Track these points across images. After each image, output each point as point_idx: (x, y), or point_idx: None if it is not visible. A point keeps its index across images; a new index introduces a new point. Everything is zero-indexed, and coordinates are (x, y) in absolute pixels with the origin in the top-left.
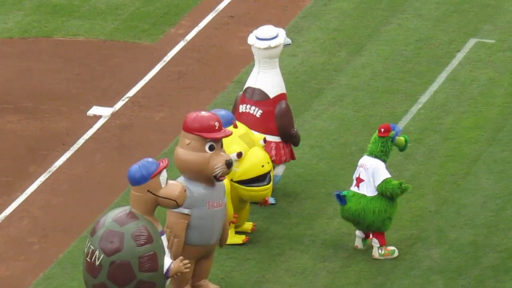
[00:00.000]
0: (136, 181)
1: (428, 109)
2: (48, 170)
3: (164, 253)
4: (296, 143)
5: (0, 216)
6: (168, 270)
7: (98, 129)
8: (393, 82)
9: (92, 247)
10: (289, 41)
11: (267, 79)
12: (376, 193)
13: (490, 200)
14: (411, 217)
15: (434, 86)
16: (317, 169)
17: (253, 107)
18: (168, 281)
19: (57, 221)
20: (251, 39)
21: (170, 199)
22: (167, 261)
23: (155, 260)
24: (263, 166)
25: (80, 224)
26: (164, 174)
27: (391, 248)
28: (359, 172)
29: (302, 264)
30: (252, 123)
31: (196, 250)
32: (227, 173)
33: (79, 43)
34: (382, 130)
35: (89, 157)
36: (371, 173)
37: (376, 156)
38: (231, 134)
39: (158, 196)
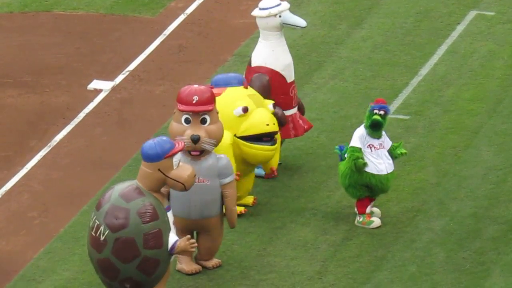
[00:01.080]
0: (150, 158)
1: (429, 81)
2: (48, 145)
3: (169, 230)
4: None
5: (1, 190)
6: (173, 247)
7: (99, 103)
8: (393, 55)
9: (97, 222)
10: (299, 22)
11: (258, 48)
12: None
13: (491, 172)
14: (412, 190)
15: (434, 59)
16: (317, 142)
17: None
18: (172, 257)
19: (57, 195)
20: (254, 11)
21: (179, 182)
22: (172, 238)
23: (160, 237)
24: (267, 124)
25: (80, 198)
26: (177, 156)
27: (372, 219)
28: None
29: (303, 237)
30: None
31: (178, 221)
32: (192, 148)
33: (79, 17)
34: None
35: (90, 131)
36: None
37: (365, 125)
38: (200, 111)
39: (168, 177)
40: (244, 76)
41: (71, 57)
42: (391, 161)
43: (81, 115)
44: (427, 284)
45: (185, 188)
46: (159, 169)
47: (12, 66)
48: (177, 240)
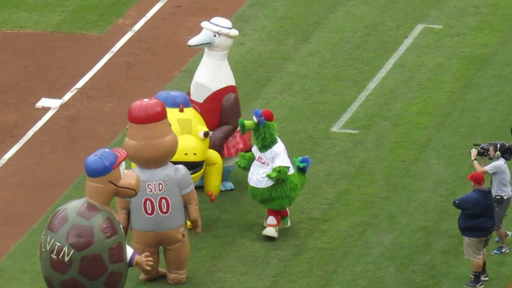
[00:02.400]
0: (99, 173)
1: (377, 95)
2: None
3: (125, 243)
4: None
5: None
6: (132, 259)
7: (47, 121)
8: (341, 69)
9: (58, 244)
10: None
11: (218, 71)
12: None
13: (440, 186)
14: (362, 204)
15: (382, 73)
16: None
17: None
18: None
19: (7, 213)
20: (232, 31)
21: (130, 189)
22: (130, 250)
23: (121, 250)
24: (186, 154)
25: (30, 216)
26: (123, 164)
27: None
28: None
29: (254, 252)
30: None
31: (144, 236)
32: None
33: (27, 35)
34: (264, 117)
35: (39, 149)
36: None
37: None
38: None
39: (120, 186)
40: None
41: (19, 75)
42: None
43: (30, 133)
44: None
45: (135, 194)
46: (110, 181)
47: None
48: (134, 252)
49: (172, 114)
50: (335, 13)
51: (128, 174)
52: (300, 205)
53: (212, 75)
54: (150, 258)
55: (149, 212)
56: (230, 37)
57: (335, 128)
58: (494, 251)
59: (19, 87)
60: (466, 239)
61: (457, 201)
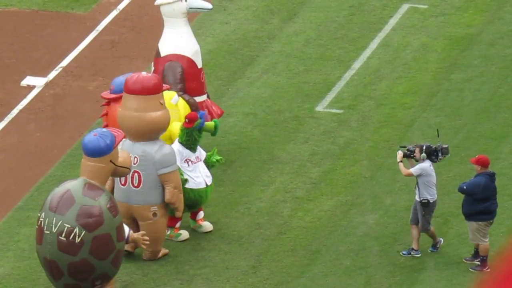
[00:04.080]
0: (102, 152)
1: (362, 75)
2: None
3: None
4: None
5: None
6: (128, 235)
7: (32, 99)
8: (326, 49)
9: (67, 225)
10: (205, 5)
11: (165, 37)
12: None
13: None
14: (346, 183)
15: (367, 52)
16: (251, 137)
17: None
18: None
19: None
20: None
21: (126, 167)
22: (126, 228)
23: (123, 229)
24: None
25: (14, 194)
26: (120, 144)
27: (179, 231)
28: None
29: (238, 231)
30: None
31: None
32: None
33: (12, 13)
34: (187, 120)
35: (23, 127)
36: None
37: (183, 145)
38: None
39: (118, 165)
40: (153, 69)
41: (3, 53)
42: (208, 173)
43: (15, 111)
44: (362, 277)
45: (129, 172)
46: (110, 161)
47: None
48: (129, 229)
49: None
50: None
51: (124, 153)
52: (284, 184)
53: (188, 39)
54: (147, 238)
55: (122, 182)
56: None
57: (319, 108)
58: (430, 249)
59: (4, 65)
60: (472, 224)
61: (465, 187)
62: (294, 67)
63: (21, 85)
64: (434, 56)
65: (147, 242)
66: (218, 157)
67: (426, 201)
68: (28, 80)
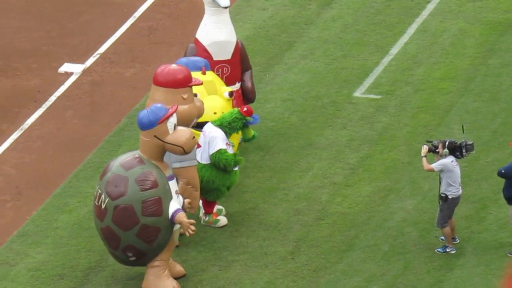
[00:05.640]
0: (144, 126)
1: (399, 60)
2: (20, 128)
3: (170, 198)
4: None
5: None
6: (173, 215)
7: (70, 86)
8: (363, 34)
9: (99, 191)
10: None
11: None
12: (208, 161)
13: None
14: (384, 169)
15: (405, 38)
16: (289, 123)
17: None
18: (176, 227)
19: (30, 178)
20: None
21: (177, 145)
22: (173, 207)
23: (159, 205)
24: (215, 113)
25: (53, 181)
26: (172, 120)
27: (218, 218)
28: (200, 138)
29: (276, 217)
30: None
31: None
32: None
33: (50, 1)
34: (245, 109)
35: (61, 114)
36: (208, 141)
37: (220, 126)
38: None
39: (165, 142)
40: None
41: (41, 40)
42: None
43: (53, 98)
44: (400, 263)
45: (184, 152)
46: (155, 136)
47: None
48: (178, 209)
49: (196, 77)
50: None
51: (181, 130)
52: (323, 170)
53: (230, 29)
54: (193, 228)
55: None
56: None
57: (357, 93)
58: (438, 249)
59: (42, 52)
60: None
61: (503, 171)
62: (331, 53)
63: (58, 72)
64: (472, 41)
65: (192, 232)
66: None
67: (444, 195)
68: (65, 67)
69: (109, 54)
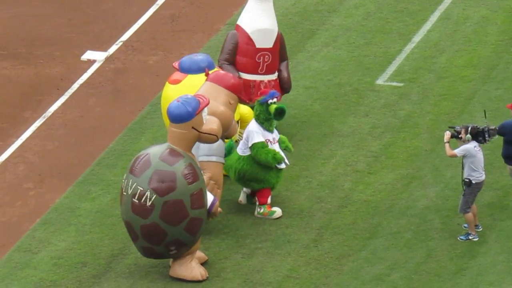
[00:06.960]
0: (183, 118)
1: (422, 48)
2: (43, 115)
3: (206, 188)
4: None
5: None
6: (212, 204)
7: (92, 74)
8: (386, 22)
9: (140, 188)
10: None
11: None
12: (246, 154)
13: None
14: (407, 157)
15: (428, 25)
16: (311, 110)
17: None
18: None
19: (53, 166)
20: None
21: (212, 134)
22: (210, 196)
23: (202, 196)
24: None
25: (76, 169)
26: (205, 110)
27: (273, 209)
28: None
29: (299, 205)
30: None
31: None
32: None
33: None
34: (259, 93)
35: (84, 101)
36: (245, 135)
37: (257, 120)
38: None
39: (201, 132)
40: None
41: (64, 28)
42: (284, 155)
43: (75, 85)
44: (423, 250)
45: (217, 139)
46: (193, 127)
47: (5, 38)
48: (215, 199)
49: (198, 81)
50: None
51: (210, 120)
52: (345, 158)
53: (273, 18)
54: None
55: None
56: None
57: (380, 81)
58: (461, 237)
59: (65, 40)
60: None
61: (497, 127)
62: (354, 41)
63: (81, 59)
64: (494, 29)
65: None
66: (289, 144)
67: (468, 180)
68: (88, 55)
69: (132, 41)
